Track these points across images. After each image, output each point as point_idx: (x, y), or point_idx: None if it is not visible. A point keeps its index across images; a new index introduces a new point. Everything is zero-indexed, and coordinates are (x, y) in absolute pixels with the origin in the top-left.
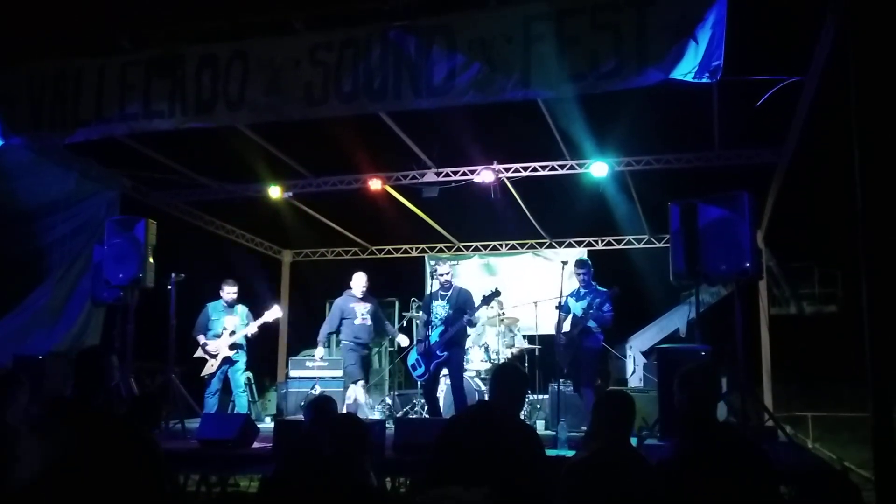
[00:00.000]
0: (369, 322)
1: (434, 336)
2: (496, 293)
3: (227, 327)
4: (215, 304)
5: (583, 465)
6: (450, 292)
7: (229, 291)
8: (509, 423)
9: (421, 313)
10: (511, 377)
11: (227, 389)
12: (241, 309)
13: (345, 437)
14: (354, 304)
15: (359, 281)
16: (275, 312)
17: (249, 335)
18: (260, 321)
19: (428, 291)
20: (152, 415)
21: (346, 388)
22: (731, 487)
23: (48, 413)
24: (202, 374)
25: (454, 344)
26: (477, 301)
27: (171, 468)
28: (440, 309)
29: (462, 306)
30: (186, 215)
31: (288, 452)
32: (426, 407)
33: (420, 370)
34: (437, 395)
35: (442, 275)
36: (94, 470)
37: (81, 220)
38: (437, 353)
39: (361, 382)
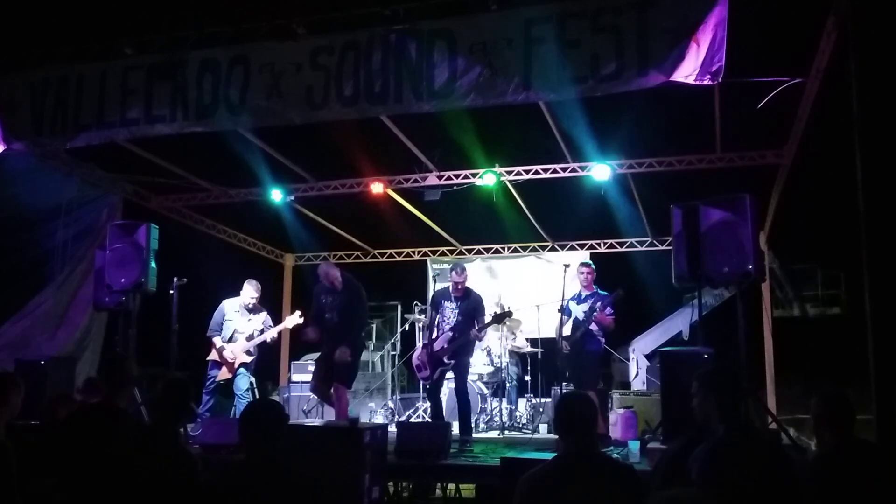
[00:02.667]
0: (336, 319)
1: (442, 342)
2: (508, 313)
3: (243, 331)
4: (232, 303)
5: (539, 477)
6: (463, 297)
7: (251, 294)
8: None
9: (428, 311)
10: None
11: (226, 393)
12: (263, 315)
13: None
14: (324, 294)
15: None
16: (294, 319)
17: (269, 340)
18: (280, 326)
19: (430, 294)
20: (184, 406)
21: None
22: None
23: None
24: (218, 379)
25: (461, 353)
26: (488, 313)
27: None
28: (451, 312)
29: (472, 314)
30: (188, 219)
31: None
32: (428, 409)
33: (426, 373)
34: (441, 396)
35: (457, 283)
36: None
37: (83, 226)
38: (445, 359)
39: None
